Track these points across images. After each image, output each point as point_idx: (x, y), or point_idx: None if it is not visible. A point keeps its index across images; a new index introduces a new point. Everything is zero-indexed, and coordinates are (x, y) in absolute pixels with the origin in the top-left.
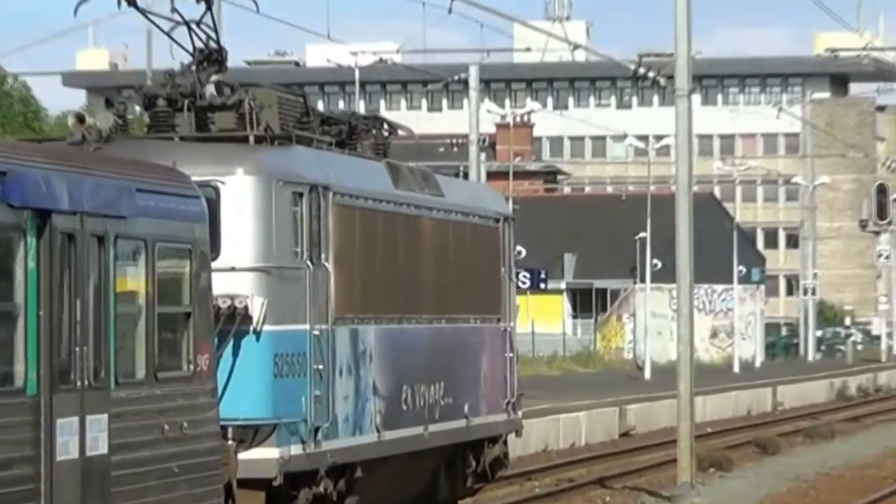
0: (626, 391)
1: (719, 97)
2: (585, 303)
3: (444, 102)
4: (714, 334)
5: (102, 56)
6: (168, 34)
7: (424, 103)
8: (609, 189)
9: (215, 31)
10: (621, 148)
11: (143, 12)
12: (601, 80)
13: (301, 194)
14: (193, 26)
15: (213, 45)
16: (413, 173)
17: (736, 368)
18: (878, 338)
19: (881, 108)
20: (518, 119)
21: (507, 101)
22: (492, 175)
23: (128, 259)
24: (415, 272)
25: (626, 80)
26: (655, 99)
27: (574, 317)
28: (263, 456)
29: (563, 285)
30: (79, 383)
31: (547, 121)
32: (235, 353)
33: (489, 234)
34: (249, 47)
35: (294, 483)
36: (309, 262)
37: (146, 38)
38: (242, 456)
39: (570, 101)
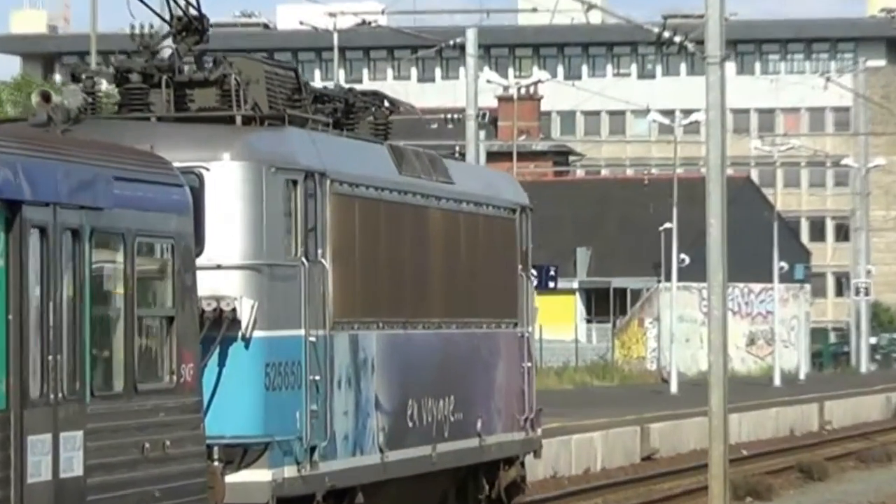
0: (648, 407)
1: (757, 65)
2: (601, 305)
3: (437, 72)
4: (751, 341)
5: (40, 18)
6: (145, 3)
7: (414, 73)
8: (629, 172)
9: None
10: (643, 124)
11: None
12: (620, 45)
13: (295, 182)
14: None
15: (192, 11)
16: (419, 157)
17: (777, 381)
18: None
19: None
20: (523, 91)
21: (511, 70)
22: (493, 156)
23: (104, 255)
24: (422, 270)
25: (649, 46)
26: (683, 67)
27: (588, 321)
28: (254, 479)
29: (575, 284)
30: (52, 396)
31: (557, 93)
32: (222, 363)
33: (504, 226)
34: (210, 7)
35: None
36: (304, 259)
37: None
38: (230, 479)
39: (584, 70)
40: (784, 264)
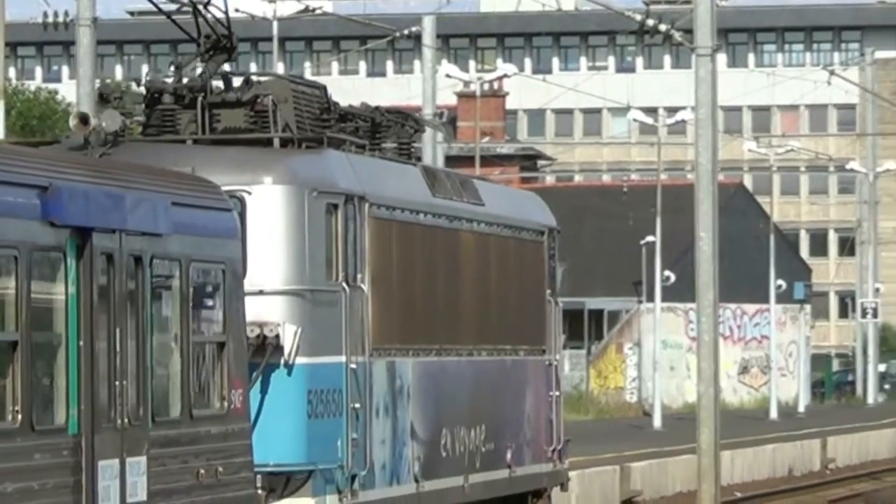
0: (629, 444)
1: (751, 57)
2: (575, 328)
3: (389, 65)
4: (744, 369)
5: None
6: (170, 17)
7: (363, 66)
8: (606, 179)
9: (226, 13)
10: (622, 124)
11: None
12: (596, 35)
13: (336, 206)
14: (201, 8)
15: (221, 29)
16: (450, 178)
17: (773, 414)
18: None
19: None
20: (486, 87)
21: (472, 64)
22: (452, 160)
23: (163, 281)
24: (454, 295)
25: (630, 36)
26: (667, 60)
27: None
28: None
29: None
30: (119, 422)
31: (524, 89)
32: (264, 390)
33: (533, 249)
34: None
35: None
36: (345, 285)
37: None
38: None
39: (555, 62)
40: (781, 282)
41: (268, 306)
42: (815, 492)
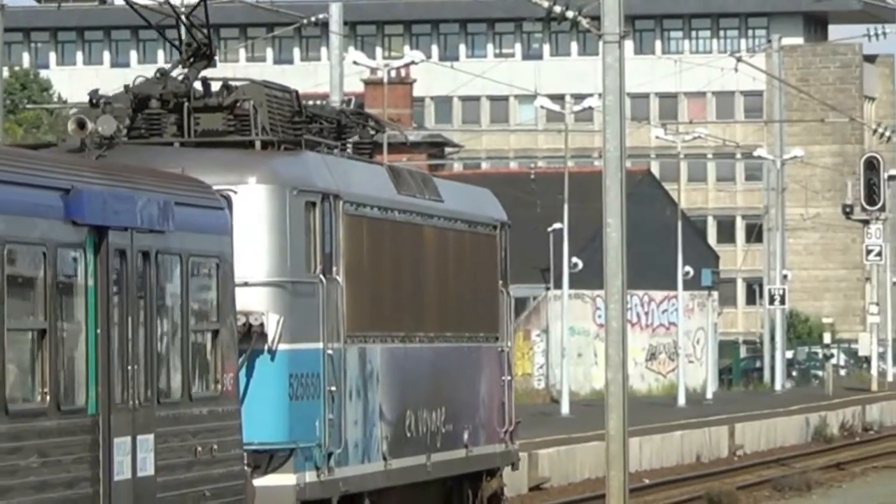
0: (536, 431)
1: (658, 44)
2: None
3: (296, 52)
4: (652, 356)
5: None
6: (155, 27)
7: (270, 54)
8: (513, 166)
9: (207, 23)
10: (529, 112)
11: (129, 4)
12: (502, 22)
13: (314, 204)
14: (184, 19)
15: (201, 38)
16: (413, 177)
17: (681, 401)
18: (866, 360)
19: (870, 59)
20: (393, 74)
21: (379, 51)
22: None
23: (166, 275)
24: (418, 286)
25: (536, 23)
26: (573, 47)
27: None
28: (280, 483)
29: None
30: (130, 402)
31: (431, 76)
32: (249, 374)
33: (487, 242)
34: None
35: None
36: (322, 277)
37: None
38: (258, 482)
39: (462, 49)
40: (689, 269)
41: (252, 297)
42: (723, 478)
